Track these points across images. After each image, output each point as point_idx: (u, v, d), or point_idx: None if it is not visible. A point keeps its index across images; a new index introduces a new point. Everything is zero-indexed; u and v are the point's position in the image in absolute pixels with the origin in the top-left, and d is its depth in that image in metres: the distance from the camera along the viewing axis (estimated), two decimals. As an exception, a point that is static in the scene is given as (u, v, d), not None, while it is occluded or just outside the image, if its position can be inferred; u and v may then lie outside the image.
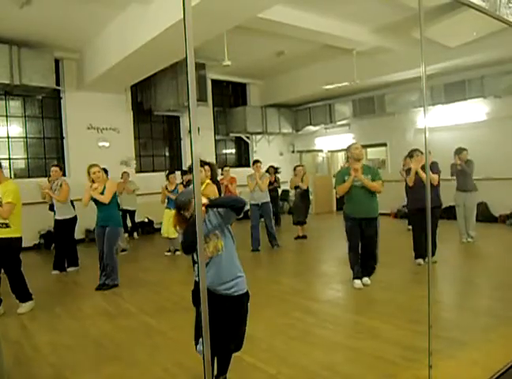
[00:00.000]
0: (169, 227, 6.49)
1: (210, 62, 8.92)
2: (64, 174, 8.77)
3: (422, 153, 5.40)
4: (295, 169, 8.20)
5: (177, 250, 7.00)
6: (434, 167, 5.42)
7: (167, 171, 7.57)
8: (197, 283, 2.33)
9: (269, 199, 7.27)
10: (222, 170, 8.11)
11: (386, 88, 10.14)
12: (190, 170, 3.96)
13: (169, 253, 7.10)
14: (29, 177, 8.56)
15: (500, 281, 4.73)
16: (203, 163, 4.82)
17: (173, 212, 6.95)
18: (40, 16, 6.50)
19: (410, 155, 5.71)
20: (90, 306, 4.57)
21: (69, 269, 6.15)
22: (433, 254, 5.45)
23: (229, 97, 12.29)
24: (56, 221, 6.11)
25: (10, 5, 5.99)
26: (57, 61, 8.44)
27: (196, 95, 1.51)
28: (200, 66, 8.80)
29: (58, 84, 8.43)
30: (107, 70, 7.67)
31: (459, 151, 6.68)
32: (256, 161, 7.47)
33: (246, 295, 2.42)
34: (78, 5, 6.25)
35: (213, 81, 11.10)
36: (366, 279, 4.74)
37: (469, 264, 5.89)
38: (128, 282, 5.42)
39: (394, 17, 6.97)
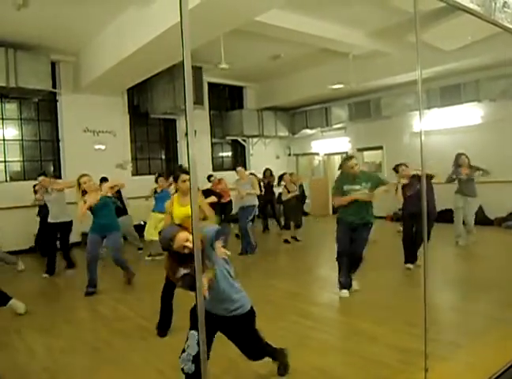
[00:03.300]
0: (152, 229, 6.68)
1: (207, 65, 8.91)
2: (60, 177, 8.84)
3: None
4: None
5: (160, 254, 6.79)
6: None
7: (157, 174, 7.65)
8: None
9: (251, 203, 7.15)
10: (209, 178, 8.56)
11: (382, 91, 10.18)
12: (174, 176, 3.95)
13: (150, 258, 6.90)
14: (25, 179, 8.51)
15: (496, 283, 4.74)
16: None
17: (158, 215, 6.94)
18: (37, 18, 6.48)
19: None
20: (86, 310, 4.55)
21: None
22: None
23: (226, 100, 12.27)
24: (52, 224, 6.13)
25: (7, 7, 5.97)
26: (53, 64, 8.40)
27: (192, 98, 1.51)
28: (197, 69, 8.80)
29: (54, 86, 8.41)
30: (103, 73, 7.65)
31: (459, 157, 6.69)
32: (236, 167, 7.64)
33: (245, 315, 2.47)
34: (75, 8, 6.23)
35: (210, 84, 11.08)
36: None
37: (465, 266, 5.92)
38: (123, 285, 5.40)
39: (390, 21, 7.00)
